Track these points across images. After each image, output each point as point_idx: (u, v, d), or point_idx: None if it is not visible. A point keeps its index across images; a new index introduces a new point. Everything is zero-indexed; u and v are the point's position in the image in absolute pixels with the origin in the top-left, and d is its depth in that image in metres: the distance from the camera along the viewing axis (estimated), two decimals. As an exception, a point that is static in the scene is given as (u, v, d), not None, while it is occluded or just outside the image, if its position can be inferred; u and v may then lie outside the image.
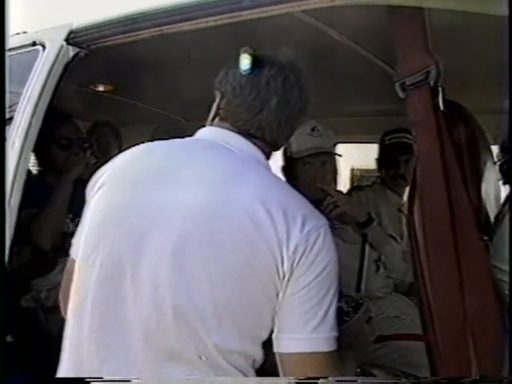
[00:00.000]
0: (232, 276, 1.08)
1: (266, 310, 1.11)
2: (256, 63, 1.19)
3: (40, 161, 2.42)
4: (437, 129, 1.10)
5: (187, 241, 1.09)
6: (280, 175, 2.35)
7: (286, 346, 1.11)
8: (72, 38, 1.63)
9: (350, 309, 1.53)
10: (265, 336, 1.13)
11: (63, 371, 1.18)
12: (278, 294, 1.10)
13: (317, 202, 2.09)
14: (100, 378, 1.12)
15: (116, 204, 1.17)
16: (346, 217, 2.09)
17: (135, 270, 1.10)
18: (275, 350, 1.13)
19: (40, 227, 2.13)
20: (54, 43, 1.63)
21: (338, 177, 2.31)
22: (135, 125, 3.32)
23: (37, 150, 2.37)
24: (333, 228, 2.07)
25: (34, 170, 2.48)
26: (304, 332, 1.10)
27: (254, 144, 1.21)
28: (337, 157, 2.26)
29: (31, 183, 2.24)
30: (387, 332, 1.89)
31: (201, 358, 1.08)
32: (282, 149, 2.28)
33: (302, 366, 1.10)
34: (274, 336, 1.12)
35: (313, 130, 2.18)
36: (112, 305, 1.12)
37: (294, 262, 1.08)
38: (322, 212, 2.05)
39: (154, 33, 1.59)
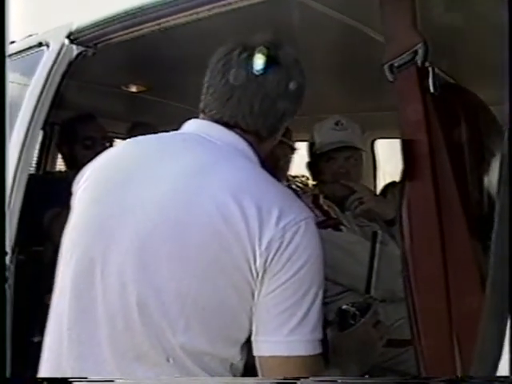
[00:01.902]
0: (199, 273, 1.02)
1: (240, 310, 1.04)
2: (270, 63, 1.12)
3: (65, 161, 2.46)
4: (424, 113, 1.00)
5: (153, 236, 1.04)
6: (305, 172, 2.29)
7: (262, 349, 1.04)
8: (74, 36, 1.63)
9: (356, 312, 1.45)
10: (242, 338, 1.07)
11: (44, 368, 1.16)
12: (253, 294, 1.03)
13: (342, 199, 2.02)
14: (84, 378, 1.09)
15: (92, 200, 1.15)
16: (372, 214, 1.99)
17: (105, 267, 1.07)
18: (254, 353, 1.06)
19: (63, 226, 2.15)
20: (57, 42, 1.63)
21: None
22: (173, 126, 3.32)
23: (62, 150, 2.42)
24: (358, 226, 2.04)
25: (60, 170, 2.52)
26: (280, 334, 1.02)
27: (237, 134, 1.15)
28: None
29: (56, 183, 2.29)
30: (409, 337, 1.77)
31: (168, 361, 1.03)
32: (308, 144, 2.22)
33: (278, 371, 1.03)
34: (252, 338, 1.06)
35: (336, 123, 2.09)
36: (85, 302, 1.09)
37: (267, 258, 1.00)
38: (347, 209, 2.00)
39: (155, 26, 1.56)
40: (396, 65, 1.06)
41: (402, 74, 1.05)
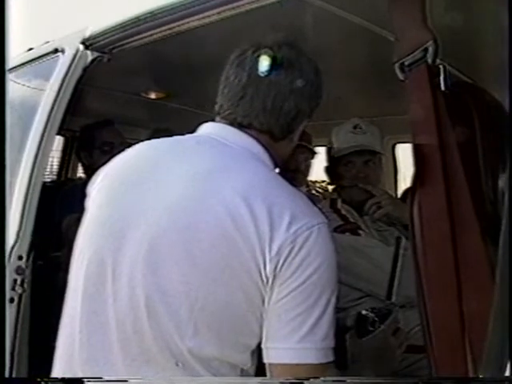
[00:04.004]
0: (208, 277, 1.01)
1: (250, 315, 1.02)
2: (275, 64, 1.12)
3: (84, 167, 2.48)
4: (435, 112, 0.97)
5: (163, 238, 1.03)
6: (324, 176, 2.27)
7: (272, 356, 1.02)
8: (89, 42, 1.64)
9: (376, 318, 1.42)
10: (253, 344, 1.05)
11: (55, 370, 1.16)
12: (263, 300, 1.01)
13: (360, 203, 1.99)
14: (100, 378, 1.08)
15: (104, 202, 1.15)
16: (391, 218, 1.95)
17: (116, 270, 1.06)
18: (264, 360, 1.04)
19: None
20: (72, 48, 1.65)
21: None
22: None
23: (80, 157, 2.44)
24: (377, 230, 2.00)
25: (81, 177, 2.54)
26: (290, 342, 1.00)
27: (251, 136, 1.14)
28: None
29: (75, 189, 2.31)
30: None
31: (178, 365, 1.02)
32: (326, 148, 2.20)
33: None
34: (262, 345, 1.04)
35: (355, 127, 2.07)
36: (96, 306, 1.09)
37: (277, 264, 0.98)
38: (366, 213, 1.97)
39: (168, 31, 1.56)
40: (406, 63, 1.04)
41: (412, 72, 1.03)
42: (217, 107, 1.19)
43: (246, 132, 1.14)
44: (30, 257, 1.60)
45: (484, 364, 0.71)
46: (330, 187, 3.01)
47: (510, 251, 0.73)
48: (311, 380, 0.98)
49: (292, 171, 2.64)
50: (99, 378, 1.07)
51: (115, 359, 1.06)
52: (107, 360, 1.07)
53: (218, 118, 1.19)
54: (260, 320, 1.02)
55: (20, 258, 1.55)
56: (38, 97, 1.76)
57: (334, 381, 1.01)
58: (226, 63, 1.19)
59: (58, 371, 1.15)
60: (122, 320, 1.05)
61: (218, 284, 1.01)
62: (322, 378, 0.98)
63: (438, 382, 0.97)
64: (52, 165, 3.26)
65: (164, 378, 1.05)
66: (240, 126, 1.14)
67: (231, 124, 1.15)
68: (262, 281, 0.99)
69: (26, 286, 1.61)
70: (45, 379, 1.11)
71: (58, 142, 3.22)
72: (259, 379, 1.05)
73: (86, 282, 1.10)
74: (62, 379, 1.10)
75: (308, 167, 2.82)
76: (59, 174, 3.26)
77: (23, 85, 1.97)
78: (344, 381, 1.04)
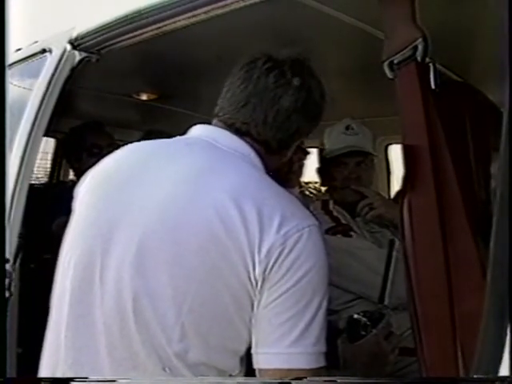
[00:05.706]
0: (196, 280, 0.99)
1: (239, 320, 1.01)
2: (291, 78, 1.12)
3: (73, 169, 2.46)
4: (424, 111, 0.96)
5: (151, 240, 1.02)
6: (316, 177, 2.25)
7: (262, 361, 1.01)
8: (77, 42, 1.62)
9: (368, 322, 1.39)
10: (241, 349, 1.04)
11: (43, 371, 1.14)
12: (252, 304, 0.99)
13: (352, 204, 1.97)
14: (85, 378, 1.06)
15: (92, 204, 1.14)
16: (383, 219, 1.93)
17: (103, 272, 1.05)
18: (254, 366, 1.02)
19: None
20: (60, 48, 1.63)
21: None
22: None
23: (70, 159, 2.42)
24: (369, 232, 1.98)
25: (72, 179, 2.52)
26: (281, 346, 0.98)
27: (245, 141, 1.13)
28: None
29: (66, 191, 2.28)
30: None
31: (165, 370, 1.00)
32: (318, 149, 2.18)
33: None
34: (252, 351, 1.02)
35: (347, 128, 2.05)
36: (83, 308, 1.07)
37: (267, 266, 0.97)
38: (358, 215, 1.95)
39: (156, 30, 1.55)
40: (395, 62, 1.03)
41: (401, 70, 1.02)
42: (216, 109, 1.18)
43: (239, 136, 1.13)
44: (18, 260, 1.58)
45: (476, 365, 0.69)
46: (323, 188, 3.00)
47: (503, 252, 0.71)
48: (296, 382, 0.97)
49: (285, 172, 2.63)
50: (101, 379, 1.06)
51: (102, 364, 1.04)
52: (94, 365, 1.05)
53: (215, 121, 1.18)
54: (248, 325, 1.01)
55: (6, 261, 1.53)
56: (26, 97, 1.75)
57: (319, 382, 1.00)
58: (233, 67, 1.18)
59: (44, 372, 1.13)
60: (108, 324, 1.03)
61: (205, 286, 0.99)
62: (308, 378, 0.97)
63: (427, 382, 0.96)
64: (46, 167, 3.24)
65: (150, 378, 1.03)
66: (236, 132, 1.13)
67: (227, 128, 1.14)
68: (251, 284, 0.98)
69: (12, 289, 1.58)
70: (47, 380, 1.10)
71: (51, 144, 3.20)
72: (242, 379, 1.03)
73: (73, 285, 1.08)
74: (64, 380, 1.08)
75: (301, 168, 2.79)
76: (51, 176, 3.24)
77: (15, 85, 1.95)
78: (330, 381, 1.02)
